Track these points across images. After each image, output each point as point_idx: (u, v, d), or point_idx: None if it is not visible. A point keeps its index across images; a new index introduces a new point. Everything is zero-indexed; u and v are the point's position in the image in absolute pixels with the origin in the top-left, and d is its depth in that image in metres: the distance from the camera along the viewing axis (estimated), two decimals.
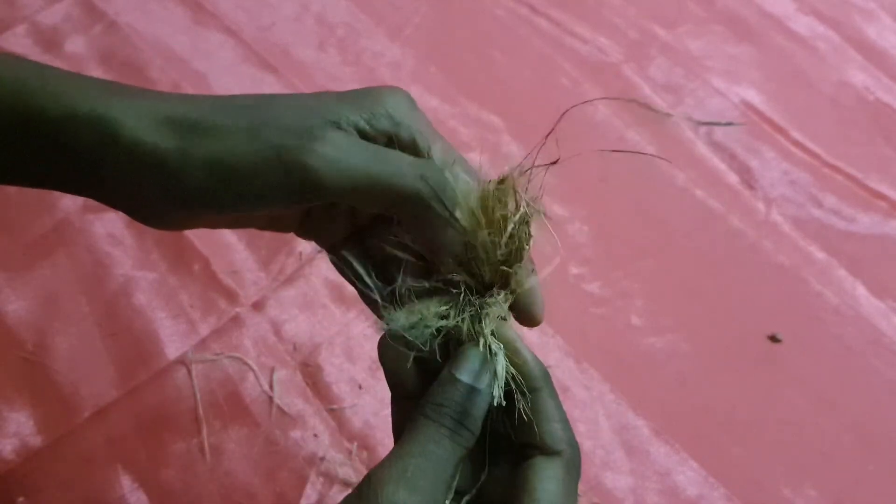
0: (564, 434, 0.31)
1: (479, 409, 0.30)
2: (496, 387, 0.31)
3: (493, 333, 0.31)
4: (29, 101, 0.29)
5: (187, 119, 0.30)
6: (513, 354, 0.31)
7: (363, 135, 0.31)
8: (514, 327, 0.33)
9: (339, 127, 0.30)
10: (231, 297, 0.57)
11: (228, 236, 0.59)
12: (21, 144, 0.30)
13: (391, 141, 0.32)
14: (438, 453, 0.29)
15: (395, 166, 0.30)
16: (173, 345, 0.55)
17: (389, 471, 0.28)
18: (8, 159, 0.31)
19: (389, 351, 0.32)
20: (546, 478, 0.30)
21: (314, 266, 0.58)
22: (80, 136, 0.29)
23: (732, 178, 0.65)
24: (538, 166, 0.32)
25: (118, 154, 0.29)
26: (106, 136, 0.29)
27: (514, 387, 0.31)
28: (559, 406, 0.32)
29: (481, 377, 0.30)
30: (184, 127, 0.30)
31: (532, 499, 0.30)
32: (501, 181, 0.31)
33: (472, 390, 0.30)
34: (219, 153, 0.29)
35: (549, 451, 0.31)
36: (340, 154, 0.29)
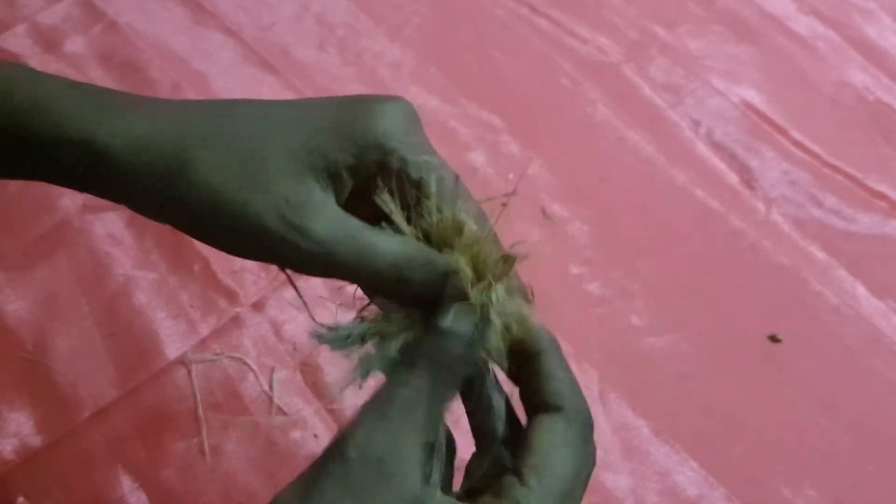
0: (570, 391, 0.31)
1: (455, 349, 0.29)
2: (490, 331, 0.30)
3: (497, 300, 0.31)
4: (20, 121, 0.30)
5: (179, 144, 0.30)
6: (520, 321, 0.31)
7: (354, 169, 0.31)
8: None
9: (331, 178, 0.30)
10: (231, 297, 0.57)
11: None
12: (12, 161, 0.31)
13: (382, 167, 0.31)
14: (404, 394, 0.28)
15: (370, 257, 0.30)
16: (173, 345, 0.55)
17: (356, 416, 0.28)
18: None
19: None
20: (546, 430, 0.30)
21: None
22: (71, 159, 0.30)
23: (732, 178, 0.65)
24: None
25: (104, 176, 0.30)
26: (97, 160, 0.30)
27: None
28: (566, 368, 0.32)
29: (460, 321, 0.29)
30: (173, 156, 0.30)
31: (530, 452, 0.29)
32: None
33: (452, 333, 0.29)
34: (202, 206, 0.30)
35: (550, 409, 0.30)
36: (324, 254, 0.29)
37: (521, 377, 0.32)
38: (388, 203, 0.31)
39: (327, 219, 0.30)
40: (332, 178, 0.31)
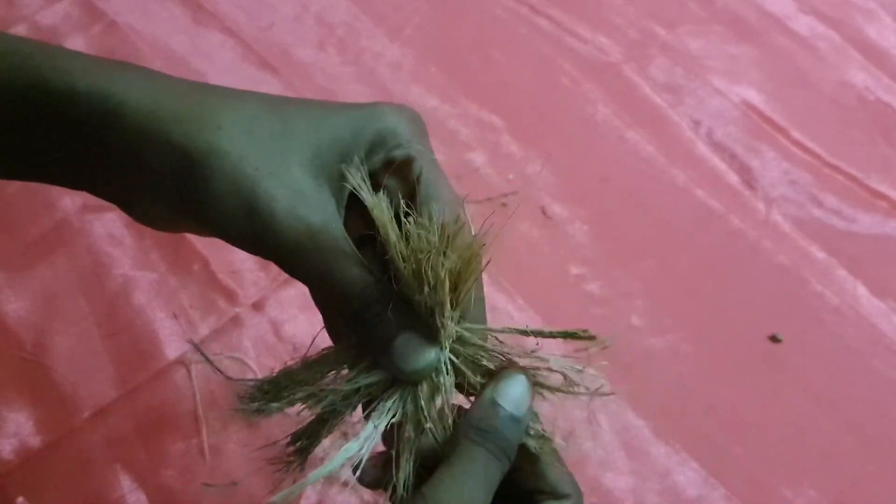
0: (570, 479, 0.33)
1: (517, 438, 0.31)
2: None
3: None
4: (31, 74, 0.29)
5: (200, 108, 0.30)
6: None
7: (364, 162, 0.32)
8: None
9: (338, 188, 0.31)
10: (231, 297, 0.57)
11: None
12: (23, 118, 0.30)
13: (388, 164, 0.32)
14: (489, 475, 0.29)
15: (348, 284, 0.30)
16: (173, 345, 0.55)
17: (447, 493, 0.28)
18: (9, 135, 0.31)
19: None
20: None
21: None
22: (82, 111, 0.29)
23: (732, 178, 0.65)
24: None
25: (116, 133, 0.29)
26: (108, 114, 0.29)
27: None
28: (560, 458, 0.33)
29: (522, 405, 0.31)
30: (187, 126, 0.29)
31: None
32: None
33: (513, 419, 0.30)
34: (215, 178, 0.29)
35: (559, 496, 0.32)
36: (312, 249, 0.30)
37: (518, 463, 0.32)
38: (361, 186, 0.31)
39: (329, 215, 0.30)
40: (338, 187, 0.31)
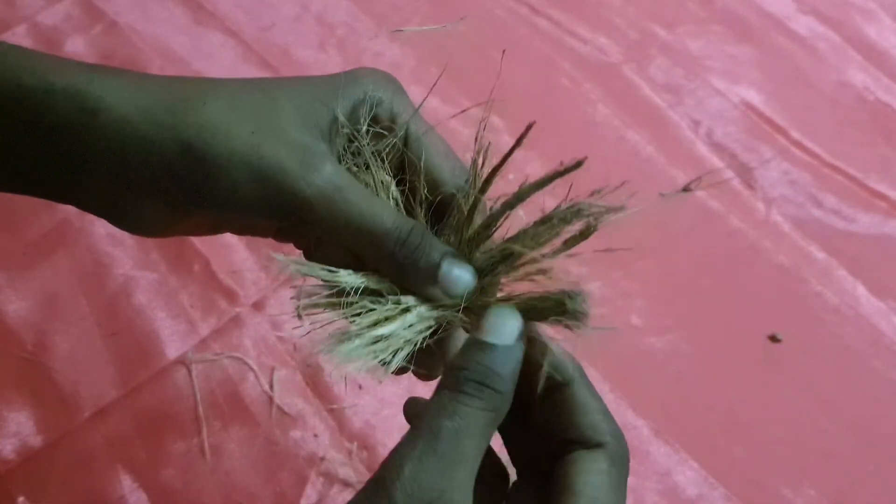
0: (607, 425, 0.28)
1: (504, 366, 0.27)
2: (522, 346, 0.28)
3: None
4: (6, 76, 0.29)
5: (182, 91, 0.29)
6: (540, 348, 0.29)
7: (349, 120, 0.32)
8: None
9: (329, 140, 0.31)
10: (231, 297, 0.57)
11: (228, 237, 0.59)
12: (10, 126, 0.29)
13: (374, 121, 0.32)
14: (451, 426, 0.26)
15: (379, 220, 0.30)
16: (173, 345, 0.55)
17: (399, 451, 0.26)
18: None
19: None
20: (589, 470, 0.27)
21: None
22: (60, 114, 0.29)
23: (732, 178, 0.65)
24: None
25: (98, 132, 0.29)
26: (86, 113, 0.28)
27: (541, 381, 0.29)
28: (597, 397, 0.29)
29: (503, 332, 0.28)
30: (173, 111, 0.29)
31: (573, 493, 0.27)
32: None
33: (494, 348, 0.27)
34: (213, 152, 0.29)
35: (590, 444, 0.28)
36: (336, 195, 0.29)
37: (547, 409, 0.29)
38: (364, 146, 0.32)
39: (336, 166, 0.30)
40: (329, 139, 0.31)
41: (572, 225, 0.30)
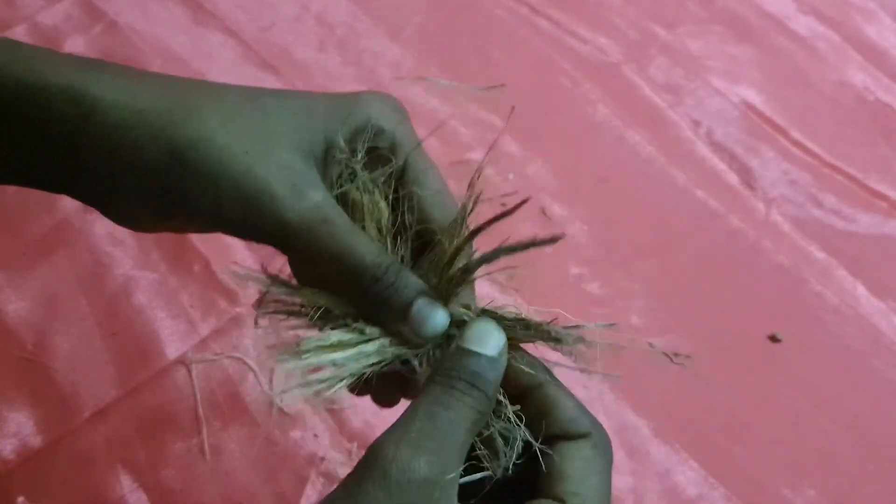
0: (585, 417, 0.30)
1: (490, 373, 0.29)
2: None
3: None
4: (4, 70, 0.29)
5: (180, 98, 0.29)
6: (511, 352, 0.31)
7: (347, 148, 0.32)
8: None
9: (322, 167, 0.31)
10: (231, 297, 0.57)
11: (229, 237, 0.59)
12: (6, 124, 0.29)
13: (370, 151, 0.32)
14: (446, 415, 0.27)
15: (359, 256, 0.30)
16: (173, 345, 0.55)
17: (392, 433, 0.27)
18: None
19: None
20: (575, 457, 0.29)
21: None
22: (55, 112, 0.29)
23: (732, 178, 0.65)
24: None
25: (89, 134, 0.29)
26: (80, 114, 0.28)
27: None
28: (570, 394, 0.31)
29: (488, 344, 0.30)
30: (169, 117, 0.29)
31: (562, 478, 0.28)
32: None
33: (480, 356, 0.29)
34: (203, 167, 0.29)
35: (573, 436, 0.29)
36: (320, 227, 0.29)
37: (525, 410, 0.30)
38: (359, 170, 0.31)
39: (325, 194, 0.30)
40: (323, 163, 0.31)
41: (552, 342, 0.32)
